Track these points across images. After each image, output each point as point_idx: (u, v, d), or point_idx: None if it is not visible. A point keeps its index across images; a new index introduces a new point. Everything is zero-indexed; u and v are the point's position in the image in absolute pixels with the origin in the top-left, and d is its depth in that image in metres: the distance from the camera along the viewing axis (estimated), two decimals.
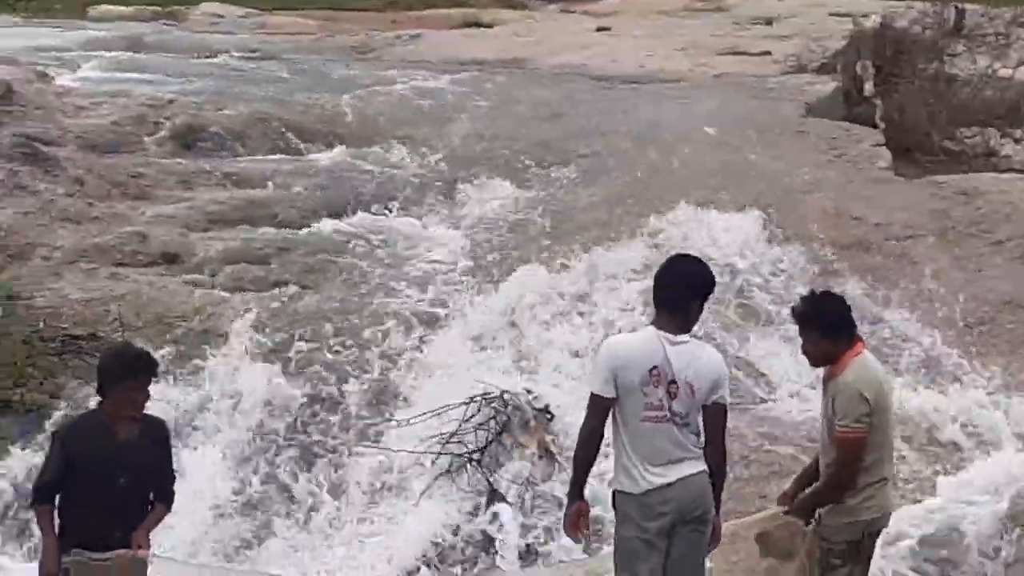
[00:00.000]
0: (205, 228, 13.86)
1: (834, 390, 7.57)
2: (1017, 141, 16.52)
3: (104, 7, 26.11)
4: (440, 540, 10.27)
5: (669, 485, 6.86)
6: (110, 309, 12.11)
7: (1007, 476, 10.04)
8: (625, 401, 6.83)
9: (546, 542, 10.20)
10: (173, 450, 7.78)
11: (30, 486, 7.92)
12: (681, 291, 6.96)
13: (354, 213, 14.21)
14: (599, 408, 6.96)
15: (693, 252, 9.05)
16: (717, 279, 7.66)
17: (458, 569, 10.31)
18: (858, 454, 7.58)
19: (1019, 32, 18.72)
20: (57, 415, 10.56)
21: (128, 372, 7.29)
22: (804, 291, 9.16)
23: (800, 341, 7.75)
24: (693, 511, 6.96)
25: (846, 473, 7.60)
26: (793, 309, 8.12)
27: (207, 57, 22.01)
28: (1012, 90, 17.32)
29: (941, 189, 14.71)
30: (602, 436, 7.01)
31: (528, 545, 10.26)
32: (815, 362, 7.80)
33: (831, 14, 23.73)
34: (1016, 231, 13.59)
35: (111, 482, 7.02)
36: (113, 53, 21.18)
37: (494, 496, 10.67)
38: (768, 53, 22.64)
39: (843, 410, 7.49)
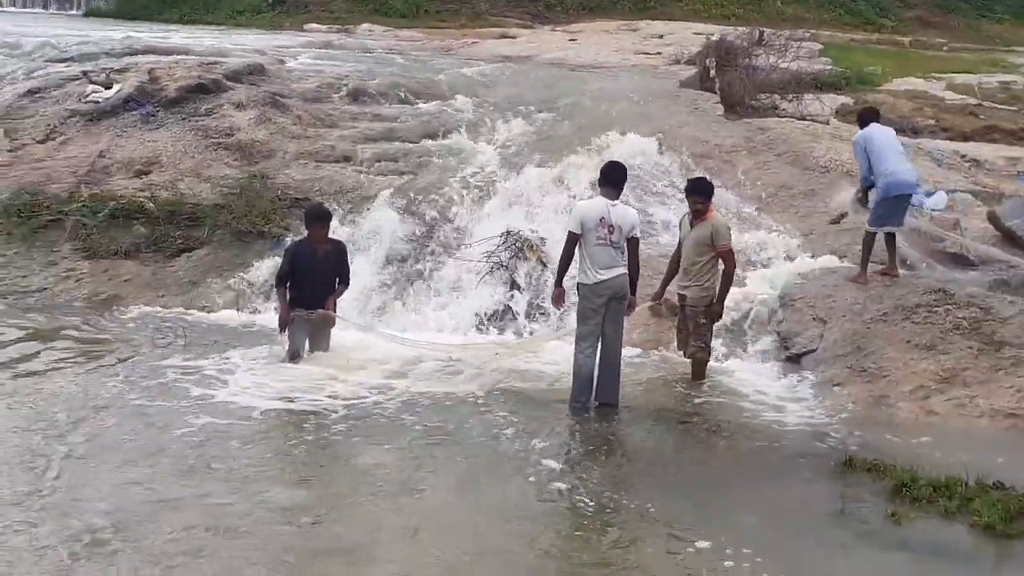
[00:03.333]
0: (364, 142, 17.88)
1: (711, 227, 11.75)
2: (789, 102, 21.32)
3: (312, 24, 31.67)
4: (486, 306, 14.35)
5: (607, 280, 10.95)
6: (314, 185, 16.25)
7: (781, 274, 14.24)
8: (586, 235, 10.87)
9: (539, 309, 14.22)
10: (349, 258, 12.69)
11: (274, 277, 12.96)
12: (613, 178, 11.34)
13: (442, 137, 18.52)
14: (571, 239, 11.00)
15: (619, 159, 13.40)
16: (634, 172, 14.29)
17: (494, 322, 14.19)
18: (735, 258, 11.98)
19: (791, 44, 22.73)
20: (287, 240, 14.33)
21: (317, 219, 12.26)
22: (683, 180, 14.77)
23: (678, 201, 13.48)
24: (619, 293, 11.05)
25: (734, 268, 11.95)
26: (688, 184, 12.56)
27: (365, 52, 26.65)
28: (787, 75, 21.72)
29: (748, 127, 19.24)
30: (572, 254, 11.04)
31: (531, 313, 14.25)
32: (698, 213, 11.84)
33: (695, 33, 29.08)
34: (786, 148, 18.14)
35: (314, 275, 11.95)
36: (316, 49, 25.73)
37: (514, 284, 14.59)
38: (660, 53, 28.34)
39: (722, 236, 11.73)
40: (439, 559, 7.70)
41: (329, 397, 11.13)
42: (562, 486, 9.26)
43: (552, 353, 12.47)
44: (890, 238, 13.51)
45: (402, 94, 20.08)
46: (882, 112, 18.33)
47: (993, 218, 15.06)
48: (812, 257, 14.57)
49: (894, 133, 14.08)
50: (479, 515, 8.67)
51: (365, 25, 32.26)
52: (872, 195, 13.47)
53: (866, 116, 13.98)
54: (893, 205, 13.22)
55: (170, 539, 7.75)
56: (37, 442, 9.61)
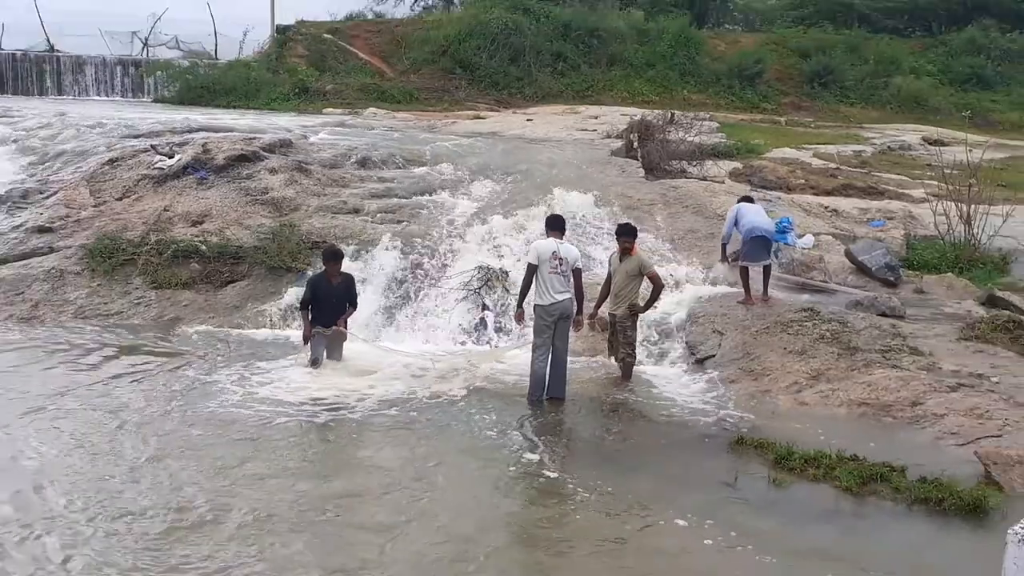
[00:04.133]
0: (369, 198, 17.49)
1: (638, 260, 11.86)
2: (693, 166, 20.61)
3: (329, 108, 31.06)
4: (463, 323, 14.25)
5: (557, 302, 11.01)
6: (331, 231, 15.92)
7: (688, 298, 14.22)
8: (541, 266, 10.95)
9: (504, 325, 14.08)
10: (357, 286, 12.78)
11: (299, 302, 12.79)
12: (557, 225, 11.51)
13: (430, 194, 18.04)
14: (530, 269, 11.06)
15: (563, 211, 14.13)
16: (573, 222, 14.57)
17: (469, 335, 14.07)
18: (661, 279, 12.19)
19: (695, 123, 22.15)
20: (308, 273, 14.03)
21: (332, 257, 12.25)
22: (614, 224, 14.13)
23: (611, 242, 12.95)
24: (566, 313, 11.13)
25: (662, 285, 12.23)
26: (618, 228, 12.32)
27: (370, 130, 25.14)
28: (692, 146, 21.09)
29: (663, 186, 18.84)
30: (531, 281, 11.08)
31: (498, 328, 14.17)
32: (626, 251, 11.84)
33: (622, 114, 28.22)
34: (692, 202, 17.80)
35: (329, 300, 12.01)
36: (331, 128, 24.60)
37: (484, 307, 14.47)
38: (595, 130, 27.03)
39: (647, 265, 11.92)
40: (447, 528, 7.87)
41: (342, 394, 11.24)
42: (524, 461, 9.49)
43: (513, 360, 12.47)
44: (766, 271, 13.75)
45: (398, 161, 19.82)
46: (763, 174, 19.38)
47: (848, 254, 15.16)
48: (712, 285, 14.61)
49: (761, 208, 14.43)
50: (476, 490, 8.85)
51: (370, 109, 32.03)
52: (739, 244, 13.83)
53: (744, 198, 14.74)
54: (753, 245, 13.48)
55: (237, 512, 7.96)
56: (118, 433, 9.84)
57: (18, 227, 16.52)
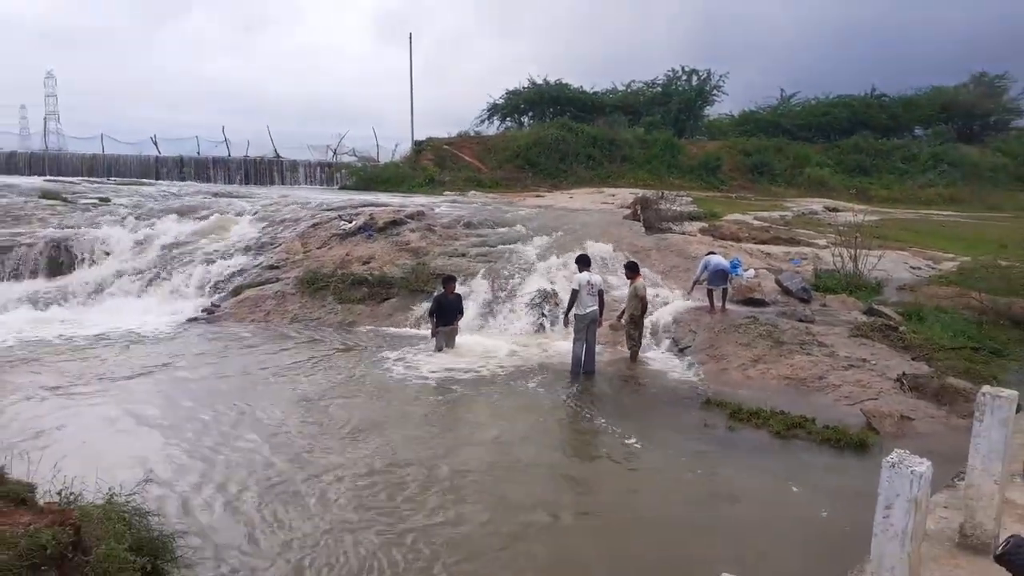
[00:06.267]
0: (471, 247, 16.88)
1: (635, 286, 11.44)
2: (677, 225, 19.51)
3: (447, 192, 30.55)
4: (528, 325, 13.65)
5: (589, 312, 10.82)
6: (447, 267, 15.31)
7: (672, 309, 13.47)
8: (580, 290, 10.79)
9: (555, 327, 13.19)
10: (464, 301, 12.62)
11: (428, 311, 12.45)
12: (586, 261, 11.30)
13: (509, 244, 17.12)
14: (574, 293, 10.87)
15: (590, 253, 13.54)
16: (599, 260, 14.35)
17: (532, 333, 13.36)
18: (647, 301, 11.77)
19: (677, 198, 21.87)
20: (434, 292, 13.12)
21: (449, 281, 12.28)
22: (624, 261, 13.62)
23: (623, 273, 12.16)
24: (593, 318, 10.85)
25: (647, 304, 11.72)
26: (625, 265, 12.24)
27: (471, 204, 24.15)
28: (675, 212, 20.69)
29: (657, 238, 17.73)
30: (574, 300, 10.81)
31: (551, 327, 13.36)
32: (631, 279, 11.53)
33: (631, 192, 27.55)
34: (676, 248, 16.68)
35: (447, 309, 11.88)
36: (448, 204, 23.59)
37: (542, 315, 13.84)
38: (612, 203, 25.74)
39: (639, 288, 11.46)
40: (521, 461, 7.68)
41: (456, 369, 11.08)
42: (568, 411, 9.44)
43: (560, 348, 12.14)
44: (723, 292, 13.32)
45: (489, 223, 19.29)
46: (721, 230, 18.63)
47: (777, 281, 14.79)
48: (688, 300, 13.99)
49: (721, 257, 13.91)
50: (537, 433, 8.61)
51: (472, 192, 31.90)
52: (705, 274, 13.29)
53: (710, 253, 14.09)
54: (715, 276, 13.08)
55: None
56: (328, 389, 9.93)
57: (257, 265, 16.68)
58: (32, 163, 34.85)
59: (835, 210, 27.37)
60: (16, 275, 16.04)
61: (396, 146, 43.76)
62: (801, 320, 12.71)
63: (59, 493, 4.35)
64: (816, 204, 30.47)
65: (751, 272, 15.34)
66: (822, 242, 18.97)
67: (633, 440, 8.26)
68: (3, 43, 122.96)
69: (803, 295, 14.23)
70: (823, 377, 10.31)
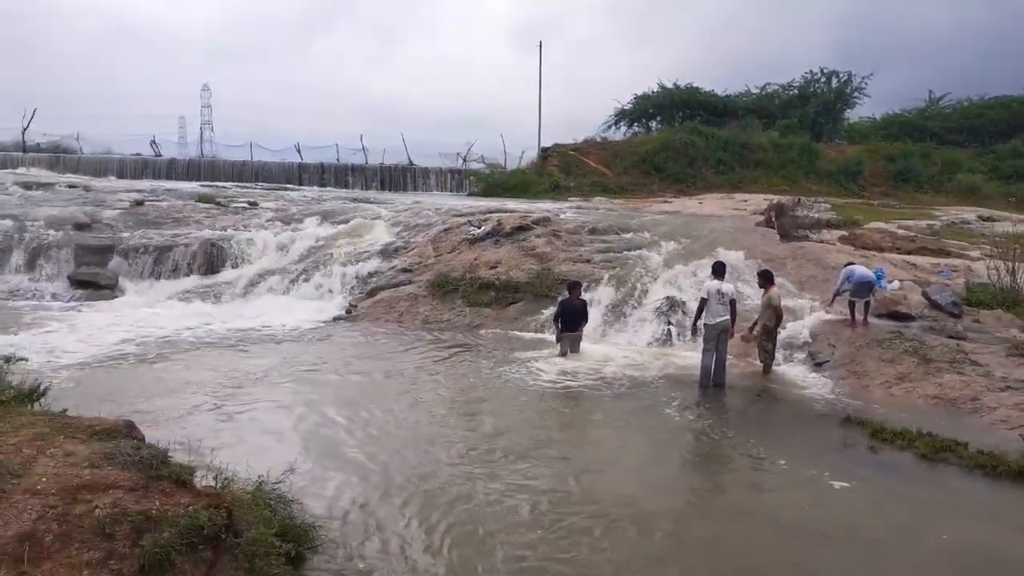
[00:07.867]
0: (596, 253, 16.77)
1: (768, 295, 11.08)
2: (814, 233, 18.74)
3: (572, 198, 30.55)
4: (655, 333, 13.36)
5: (719, 322, 10.53)
6: (572, 273, 15.12)
7: (810, 321, 12.86)
8: (709, 299, 10.55)
9: (682, 336, 12.88)
10: (588, 308, 12.38)
11: (553, 316, 12.44)
12: (720, 270, 10.90)
13: (635, 250, 16.90)
14: (702, 302, 10.66)
15: (723, 261, 12.09)
16: (730, 269, 12.56)
17: (659, 341, 13.06)
18: (782, 312, 11.31)
19: (815, 204, 20.91)
20: (559, 298, 13.06)
21: (574, 287, 11.92)
22: (758, 269, 13.04)
23: (757, 281, 11.77)
24: (724, 327, 10.54)
25: (781, 315, 11.19)
26: (759, 272, 11.75)
27: (596, 210, 24.38)
28: (812, 220, 19.82)
29: (793, 246, 16.92)
30: (702, 309, 10.57)
31: (678, 337, 13.03)
32: (765, 289, 11.17)
33: (764, 198, 26.61)
34: (813, 257, 15.85)
35: (571, 315, 11.61)
36: (573, 210, 23.78)
37: (669, 323, 13.53)
38: (745, 209, 25.34)
39: (773, 298, 11.03)
40: (637, 463, 7.67)
41: (578, 373, 11.03)
42: (696, 425, 9.18)
43: (687, 359, 11.88)
44: (866, 305, 12.75)
45: (614, 229, 19.14)
46: (862, 239, 17.82)
47: (925, 295, 13.99)
48: (827, 313, 13.31)
49: (864, 267, 13.29)
50: (656, 442, 8.52)
51: (597, 198, 31.83)
52: (847, 285, 12.72)
53: (850, 263, 13.54)
54: (859, 287, 12.52)
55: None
56: (456, 384, 10.30)
57: (392, 268, 17.09)
58: (189, 169, 37.81)
59: (990, 219, 25.64)
60: (175, 272, 17.29)
61: (523, 152, 44.58)
62: (951, 336, 12.01)
63: (215, 478, 4.59)
64: (968, 213, 28.67)
65: (895, 284, 14.57)
66: (975, 254, 17.96)
67: (765, 460, 7.93)
68: (170, 60, 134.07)
69: (953, 310, 13.42)
70: (976, 398, 9.66)
